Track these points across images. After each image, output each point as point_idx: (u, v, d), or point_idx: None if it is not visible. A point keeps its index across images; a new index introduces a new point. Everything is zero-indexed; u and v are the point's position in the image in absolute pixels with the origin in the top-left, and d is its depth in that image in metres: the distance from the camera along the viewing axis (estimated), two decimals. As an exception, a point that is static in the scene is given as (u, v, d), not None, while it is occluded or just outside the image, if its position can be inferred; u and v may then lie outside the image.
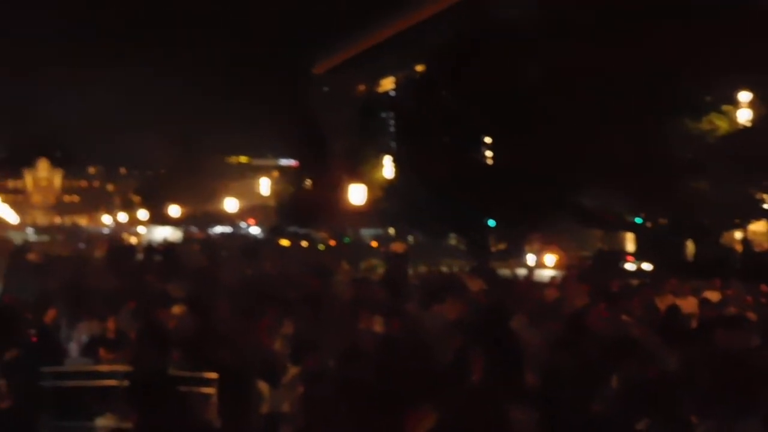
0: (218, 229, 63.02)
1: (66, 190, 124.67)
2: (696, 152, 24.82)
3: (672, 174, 24.11)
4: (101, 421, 7.23)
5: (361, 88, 62.10)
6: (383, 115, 48.28)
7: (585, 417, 6.55)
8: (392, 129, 41.79)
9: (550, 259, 27.48)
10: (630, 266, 28.30)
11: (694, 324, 10.11)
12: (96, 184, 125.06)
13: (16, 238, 37.31)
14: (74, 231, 64.22)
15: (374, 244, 44.85)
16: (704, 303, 11.80)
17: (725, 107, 24.90)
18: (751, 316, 10.15)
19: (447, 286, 13.21)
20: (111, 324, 9.60)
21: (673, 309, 10.54)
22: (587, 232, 37.70)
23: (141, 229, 66.40)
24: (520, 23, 28.19)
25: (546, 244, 31.27)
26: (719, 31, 21.94)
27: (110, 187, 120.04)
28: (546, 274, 23.66)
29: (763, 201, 26.46)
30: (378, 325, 9.39)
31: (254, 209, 65.90)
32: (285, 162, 65.82)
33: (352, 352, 7.28)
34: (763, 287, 14.19)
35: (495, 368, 6.81)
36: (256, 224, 63.80)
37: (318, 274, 15.97)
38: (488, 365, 6.83)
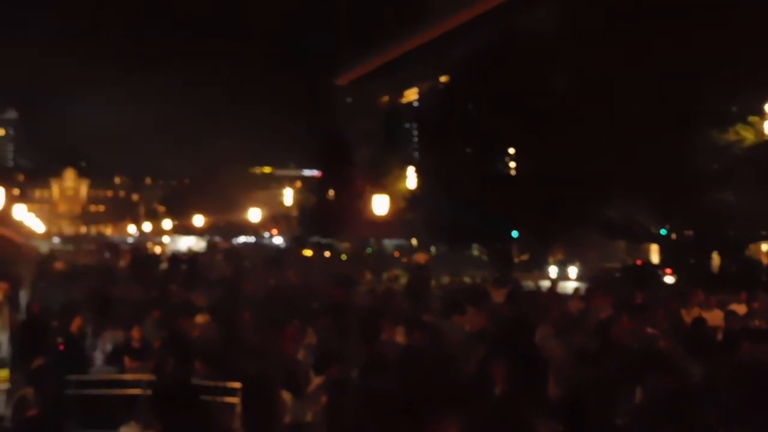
0: (241, 239, 63.31)
1: (92, 199, 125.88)
2: (722, 163, 24.60)
3: (697, 185, 23.91)
4: (125, 430, 7.26)
5: (385, 98, 62.22)
6: (407, 125, 48.43)
7: (609, 430, 6.50)
8: (416, 139, 41.91)
9: (573, 270, 27.26)
10: (669, 279, 27.47)
11: (719, 337, 10.02)
12: (121, 193, 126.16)
13: (43, 248, 37.66)
14: (100, 241, 64.76)
15: (396, 254, 44.87)
16: (730, 315, 11.67)
17: (751, 118, 24.68)
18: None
19: (470, 297, 13.17)
20: (136, 333, 9.66)
21: (699, 321, 10.44)
22: (611, 244, 37.42)
23: (165, 239, 66.84)
24: (544, 34, 28.14)
25: (570, 256, 31.09)
26: (745, 41, 21.77)
27: (135, 197, 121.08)
28: (570, 285, 23.52)
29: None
30: (401, 336, 9.39)
31: (277, 219, 66.15)
32: (308, 172, 66.07)
33: (375, 363, 7.29)
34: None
35: (518, 380, 6.77)
36: (279, 234, 64.03)
37: (341, 285, 15.98)
38: (511, 377, 6.80)
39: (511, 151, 30.89)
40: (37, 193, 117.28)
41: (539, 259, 32.10)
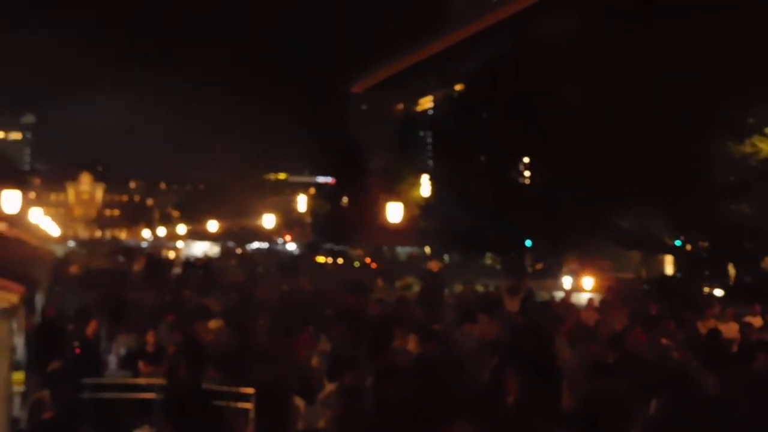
0: (255, 245, 63.46)
1: (107, 204, 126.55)
2: (738, 175, 24.48)
3: (713, 196, 23.80)
4: (139, 434, 7.30)
5: (400, 107, 62.34)
6: (421, 133, 48.47)
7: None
8: (430, 148, 41.90)
9: (587, 281, 27.03)
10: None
11: (735, 349, 9.96)
12: (136, 198, 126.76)
13: (59, 251, 37.87)
14: (115, 245, 65.07)
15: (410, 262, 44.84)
16: (745, 328, 11.61)
17: (768, 129, 24.56)
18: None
19: (483, 306, 13.16)
20: (150, 337, 9.71)
21: (714, 333, 10.40)
22: (626, 254, 37.26)
23: (179, 244, 67.09)
24: (559, 43, 28.12)
25: (584, 266, 30.93)
26: (762, 52, 21.68)
27: (150, 202, 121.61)
28: (584, 296, 23.42)
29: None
30: (413, 344, 9.39)
31: (291, 225, 66.27)
32: (322, 179, 66.15)
33: (388, 370, 7.29)
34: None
35: (531, 390, 6.76)
36: (293, 240, 64.14)
37: (354, 292, 16.00)
38: (524, 386, 6.79)
39: (526, 160, 30.84)
40: (53, 197, 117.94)
41: (553, 269, 31.99)
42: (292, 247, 62.06)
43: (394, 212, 25.95)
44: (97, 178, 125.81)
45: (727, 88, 23.20)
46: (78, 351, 9.18)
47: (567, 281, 28.47)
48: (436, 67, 54.68)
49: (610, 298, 16.49)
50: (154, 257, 35.13)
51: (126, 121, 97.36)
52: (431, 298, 15.96)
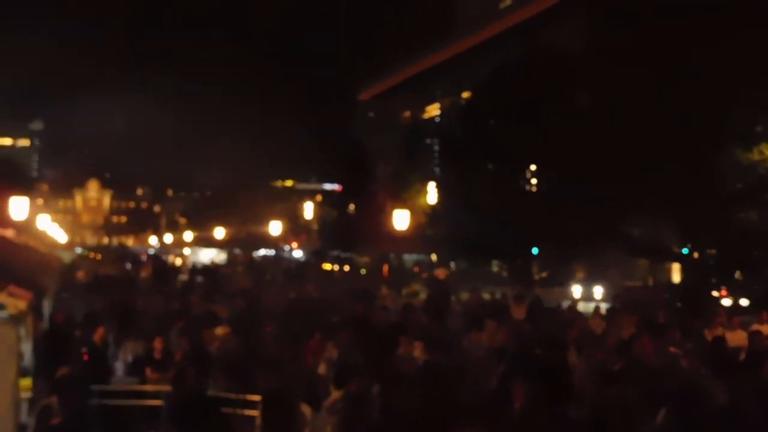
0: (262, 252, 63.51)
1: (114, 210, 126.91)
2: (746, 183, 24.44)
3: (721, 204, 23.74)
4: (146, 440, 7.31)
5: (407, 114, 62.41)
6: (428, 141, 48.51)
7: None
8: (437, 155, 41.93)
9: (598, 289, 26.85)
10: (726, 301, 26.19)
11: (742, 357, 9.93)
12: (144, 205, 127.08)
13: (66, 258, 37.95)
14: (121, 251, 65.21)
15: (416, 269, 44.83)
16: (754, 336, 11.56)
17: (776, 137, 24.50)
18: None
19: (490, 313, 13.15)
20: (158, 344, 9.72)
21: (719, 340, 10.37)
22: (633, 262, 37.17)
23: (186, 251, 67.19)
24: (567, 50, 28.12)
25: (591, 274, 30.86)
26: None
27: (157, 209, 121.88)
28: (591, 303, 23.36)
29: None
30: (419, 351, 9.38)
31: (297, 232, 66.30)
32: (329, 186, 66.21)
33: (394, 377, 7.29)
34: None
35: (538, 397, 6.75)
36: (299, 247, 64.17)
37: (361, 299, 15.99)
38: (531, 393, 6.77)
39: (533, 167, 30.82)
40: (61, 204, 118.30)
41: (561, 277, 31.93)
42: (298, 254, 62.09)
43: (401, 219, 25.95)
44: (105, 184, 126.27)
45: (735, 96, 23.17)
46: (86, 357, 9.20)
47: (577, 290, 28.32)
48: (443, 75, 54.77)
49: (618, 307, 16.45)
50: (160, 264, 35.21)
51: (132, 128, 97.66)
52: (438, 305, 15.94)
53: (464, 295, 23.08)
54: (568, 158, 25.10)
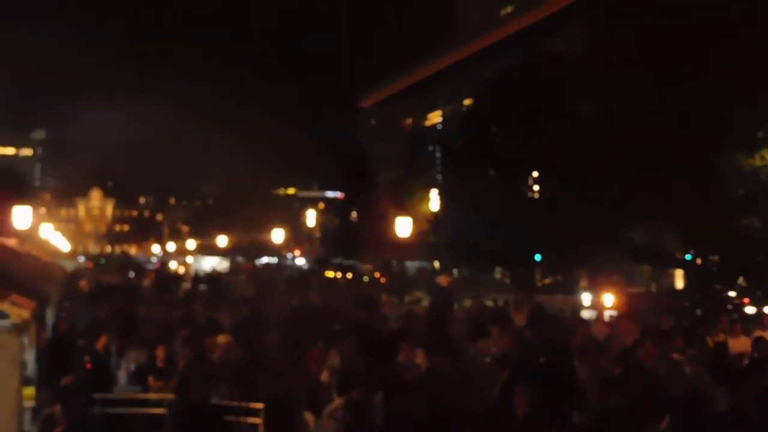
0: (264, 260, 63.55)
1: (117, 219, 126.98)
2: (748, 188, 24.43)
3: (723, 210, 23.73)
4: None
5: (409, 121, 62.46)
6: (430, 148, 48.51)
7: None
8: (439, 162, 41.94)
9: (608, 297, 26.60)
10: (749, 309, 25.49)
11: (745, 363, 9.91)
12: (146, 213, 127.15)
13: (69, 267, 37.99)
14: (124, 260, 65.25)
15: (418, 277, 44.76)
16: (758, 342, 11.55)
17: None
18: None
19: (493, 320, 13.13)
20: (161, 352, 9.73)
21: (720, 346, 10.35)
22: (636, 268, 37.13)
23: (189, 259, 67.25)
24: (568, 57, 28.17)
25: (595, 280, 30.77)
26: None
27: (159, 217, 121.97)
28: (595, 311, 23.30)
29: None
30: (422, 358, 9.38)
31: (300, 240, 66.33)
32: (331, 194, 66.28)
33: (397, 385, 7.28)
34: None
35: (541, 404, 6.74)
36: (302, 255, 64.20)
37: (364, 306, 15.98)
38: (533, 400, 6.77)
39: (535, 174, 30.85)
40: (64, 213, 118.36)
41: (564, 283, 31.93)
42: (301, 261, 62.12)
43: (403, 227, 25.96)
44: (107, 193, 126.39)
45: (737, 101, 23.20)
46: (89, 366, 9.21)
47: (586, 298, 28.07)
48: (444, 83, 54.80)
49: (622, 313, 16.43)
50: (163, 272, 35.24)
51: (133, 136, 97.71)
52: (440, 312, 15.93)
53: (467, 302, 23.07)
54: (570, 164, 25.13)
